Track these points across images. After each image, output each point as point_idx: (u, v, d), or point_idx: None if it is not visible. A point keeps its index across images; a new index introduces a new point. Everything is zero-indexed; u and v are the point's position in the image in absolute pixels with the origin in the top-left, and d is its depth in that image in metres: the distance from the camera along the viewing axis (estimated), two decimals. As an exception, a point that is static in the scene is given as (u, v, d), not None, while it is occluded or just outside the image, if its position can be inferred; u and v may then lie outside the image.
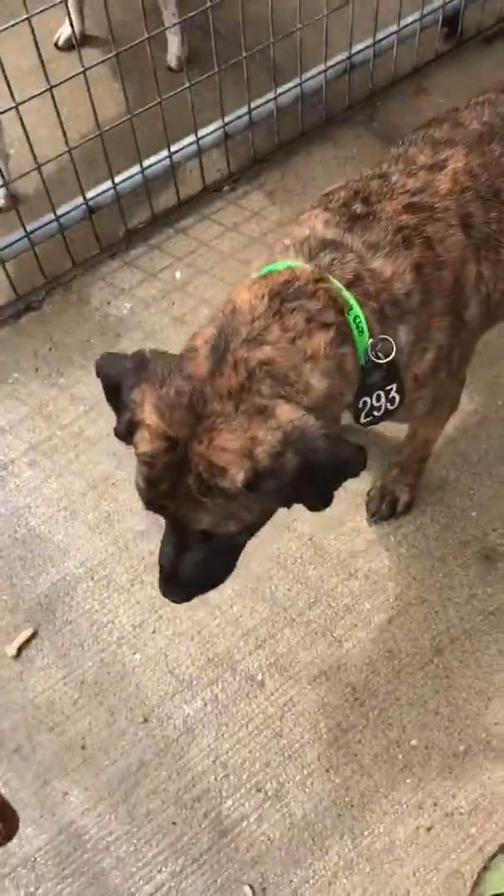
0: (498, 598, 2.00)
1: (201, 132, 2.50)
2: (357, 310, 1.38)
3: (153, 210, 2.57)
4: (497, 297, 1.64)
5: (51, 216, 2.40)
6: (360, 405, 1.46)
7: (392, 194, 1.50)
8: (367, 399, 1.46)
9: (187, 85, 2.34)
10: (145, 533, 2.11)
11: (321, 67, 2.60)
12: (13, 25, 2.03)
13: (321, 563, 2.05)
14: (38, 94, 2.16)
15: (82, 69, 2.17)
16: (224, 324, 1.33)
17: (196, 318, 2.38)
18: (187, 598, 1.51)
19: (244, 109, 2.53)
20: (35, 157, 2.27)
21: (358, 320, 1.38)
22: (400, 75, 2.78)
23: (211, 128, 2.51)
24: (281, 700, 1.90)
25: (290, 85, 2.58)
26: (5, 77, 2.09)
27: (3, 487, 2.20)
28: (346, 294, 1.38)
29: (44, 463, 2.23)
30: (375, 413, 1.48)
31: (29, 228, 2.38)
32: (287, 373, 1.30)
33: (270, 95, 2.56)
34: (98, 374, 1.44)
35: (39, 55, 2.07)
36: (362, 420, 1.48)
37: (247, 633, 1.97)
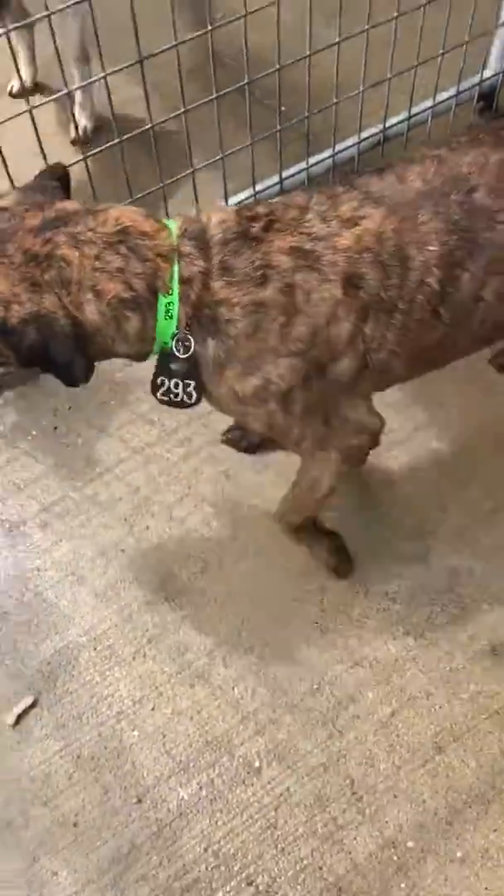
0: (502, 697, 1.97)
1: (232, 201, 2.51)
2: (175, 299, 1.50)
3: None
4: (384, 357, 1.64)
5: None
6: (158, 382, 1.62)
7: (292, 232, 1.54)
8: (165, 380, 1.61)
9: (220, 156, 2.35)
10: (151, 603, 2.10)
11: (355, 139, 2.61)
12: None
13: (326, 649, 2.03)
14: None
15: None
16: (78, 217, 1.48)
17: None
18: None
19: (275, 178, 2.54)
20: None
21: (170, 306, 1.50)
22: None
23: (241, 196, 2.52)
24: (277, 790, 1.87)
25: (324, 155, 2.59)
26: None
27: (13, 548, 2.20)
28: (175, 283, 1.49)
29: (55, 525, 2.23)
30: (173, 397, 1.64)
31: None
32: (72, 281, 1.44)
33: (303, 165, 2.57)
34: None
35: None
36: (158, 396, 1.65)
37: (246, 717, 1.95)
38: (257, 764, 1.90)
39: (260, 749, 1.92)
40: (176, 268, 1.49)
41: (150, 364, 1.63)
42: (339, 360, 1.61)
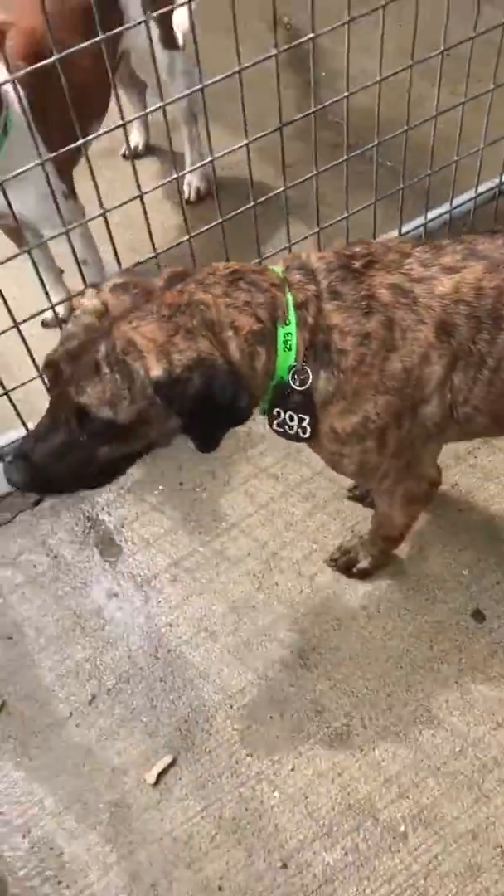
0: None
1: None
2: (293, 329, 1.54)
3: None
4: (468, 411, 1.68)
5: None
6: (275, 413, 1.63)
7: (392, 271, 1.58)
8: (281, 412, 1.62)
9: (346, 215, 2.39)
10: (285, 661, 2.09)
11: (471, 194, 2.62)
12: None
13: (467, 709, 1.99)
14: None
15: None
16: (191, 272, 1.55)
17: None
18: (27, 482, 1.57)
19: (395, 232, 2.57)
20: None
21: (288, 337, 1.54)
22: (547, 199, 2.79)
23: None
24: (425, 857, 1.83)
25: (441, 210, 2.61)
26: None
27: (146, 602, 2.22)
28: (291, 311, 1.54)
29: (185, 579, 2.25)
30: (287, 429, 1.65)
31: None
32: (214, 322, 1.49)
33: (420, 220, 2.59)
34: None
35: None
36: (274, 426, 1.66)
37: (389, 780, 1.92)
38: (403, 829, 1.87)
39: (405, 813, 1.88)
40: (289, 296, 1.54)
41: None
42: (428, 403, 1.65)
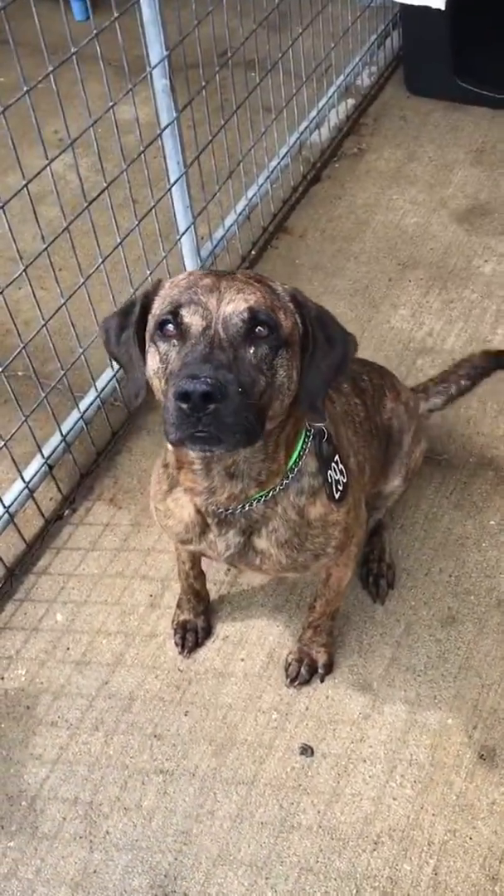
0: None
1: (27, 474, 2.48)
2: None
3: (5, 564, 2.47)
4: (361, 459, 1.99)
5: None
6: (329, 480, 1.68)
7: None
8: (331, 472, 1.69)
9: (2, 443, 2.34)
10: None
11: (109, 374, 2.72)
12: None
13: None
14: None
15: None
16: None
17: (96, 652, 2.28)
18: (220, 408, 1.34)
19: (58, 437, 2.56)
20: None
21: None
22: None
23: (34, 467, 2.51)
24: None
25: (90, 399, 2.66)
26: None
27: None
28: None
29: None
30: (339, 487, 1.71)
31: None
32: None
33: (76, 415, 2.62)
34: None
35: None
36: (336, 496, 1.70)
37: None
38: None
39: None
40: None
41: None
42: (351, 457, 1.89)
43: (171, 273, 2.92)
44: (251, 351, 1.40)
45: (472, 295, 3.13)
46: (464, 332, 3.01)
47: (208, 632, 2.31)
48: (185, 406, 1.32)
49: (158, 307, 1.49)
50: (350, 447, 1.91)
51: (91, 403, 2.66)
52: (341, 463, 1.74)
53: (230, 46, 2.95)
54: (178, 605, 2.31)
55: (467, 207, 3.49)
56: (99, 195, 2.40)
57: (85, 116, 2.31)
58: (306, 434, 1.68)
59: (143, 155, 2.58)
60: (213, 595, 2.37)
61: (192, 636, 2.28)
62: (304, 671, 2.19)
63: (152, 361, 1.47)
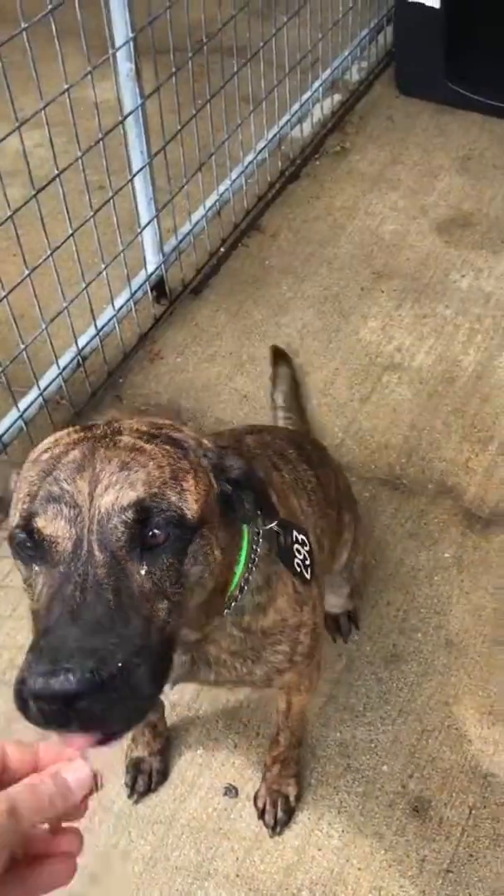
0: (445, 852, 1.87)
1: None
2: None
3: None
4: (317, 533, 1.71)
5: None
6: (297, 570, 1.29)
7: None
8: (297, 560, 1.30)
9: None
10: None
11: (55, 371, 2.56)
12: None
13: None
14: None
15: None
16: None
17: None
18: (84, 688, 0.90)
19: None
20: None
21: None
22: (129, 348, 2.82)
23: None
24: None
25: (32, 397, 2.51)
26: None
27: None
28: None
29: None
30: (307, 564, 1.32)
31: None
32: None
33: (15, 415, 2.47)
34: None
35: None
36: (307, 576, 1.33)
37: None
38: None
39: None
40: None
41: None
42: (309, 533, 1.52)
43: (130, 268, 2.77)
44: (142, 571, 1.01)
45: (447, 311, 2.99)
46: (434, 349, 2.87)
47: (164, 775, 1.99)
48: (46, 708, 0.91)
49: (15, 504, 1.10)
50: (307, 520, 1.62)
51: (33, 402, 2.51)
52: (300, 535, 1.35)
53: (207, 33, 2.79)
54: (133, 738, 1.98)
55: (449, 217, 3.35)
56: (48, 184, 2.24)
57: (62, 97, 2.15)
58: (250, 545, 1.32)
59: (102, 141, 2.42)
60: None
61: (143, 779, 1.98)
62: (282, 814, 1.92)
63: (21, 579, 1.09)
